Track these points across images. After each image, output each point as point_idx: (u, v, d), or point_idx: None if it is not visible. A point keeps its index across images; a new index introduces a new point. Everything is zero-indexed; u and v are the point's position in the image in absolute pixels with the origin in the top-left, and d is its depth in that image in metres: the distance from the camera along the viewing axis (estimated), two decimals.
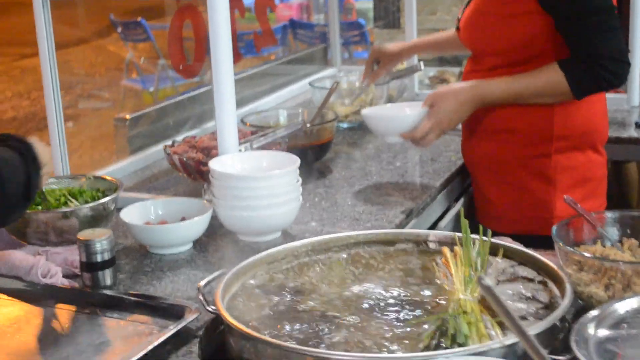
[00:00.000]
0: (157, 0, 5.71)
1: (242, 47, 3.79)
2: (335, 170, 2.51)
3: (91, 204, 1.93)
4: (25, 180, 1.60)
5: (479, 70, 2.40)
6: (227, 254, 1.92)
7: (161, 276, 1.81)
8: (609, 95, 3.13)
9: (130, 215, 1.95)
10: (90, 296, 1.68)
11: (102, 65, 8.99)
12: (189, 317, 1.53)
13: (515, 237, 1.77)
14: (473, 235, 1.63)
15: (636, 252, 1.59)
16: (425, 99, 2.32)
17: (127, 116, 2.74)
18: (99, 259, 1.73)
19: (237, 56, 3.09)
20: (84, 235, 1.74)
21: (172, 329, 1.48)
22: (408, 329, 1.38)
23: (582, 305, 1.49)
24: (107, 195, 2.01)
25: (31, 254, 1.81)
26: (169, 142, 2.34)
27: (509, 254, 1.62)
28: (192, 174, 2.20)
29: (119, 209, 1.99)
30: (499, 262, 1.60)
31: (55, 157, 2.33)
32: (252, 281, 1.57)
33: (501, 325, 1.36)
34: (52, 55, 2.28)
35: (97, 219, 1.94)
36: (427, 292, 1.52)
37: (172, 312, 1.58)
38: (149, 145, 2.69)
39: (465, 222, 1.62)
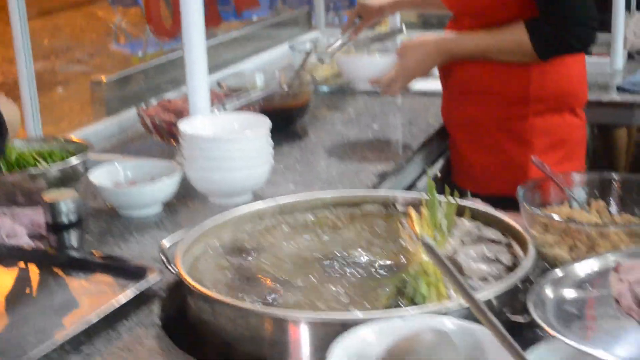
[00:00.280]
0: None
1: (224, 10, 3.75)
2: (312, 133, 2.49)
3: (59, 166, 1.91)
4: None
5: (457, 32, 2.38)
6: (197, 215, 1.90)
7: (128, 238, 1.79)
8: (592, 59, 3.13)
9: (99, 176, 1.93)
10: (54, 257, 1.67)
11: (92, 31, 8.94)
12: (151, 278, 1.51)
13: (491, 199, 1.76)
14: (440, 197, 1.62)
15: (603, 214, 1.58)
16: (397, 49, 2.35)
17: (104, 79, 2.71)
18: (64, 219, 1.72)
19: (216, 19, 3.08)
20: (49, 196, 1.72)
21: (133, 289, 1.47)
22: (367, 291, 1.37)
23: (547, 268, 1.48)
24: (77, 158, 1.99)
25: None
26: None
27: (475, 215, 1.60)
28: (165, 136, 2.18)
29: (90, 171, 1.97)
30: (466, 223, 1.59)
31: (27, 120, 2.31)
32: (216, 242, 1.56)
33: None
34: (23, 22, 2.25)
35: (65, 180, 1.92)
36: (390, 254, 1.51)
37: (135, 273, 1.56)
38: (126, 108, 2.66)
39: (431, 184, 1.61)
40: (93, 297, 1.53)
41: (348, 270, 1.44)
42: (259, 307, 1.30)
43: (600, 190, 1.60)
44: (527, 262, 1.37)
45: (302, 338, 1.24)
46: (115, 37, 7.53)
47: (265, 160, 1.95)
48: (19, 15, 2.22)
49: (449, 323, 1.16)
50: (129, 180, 1.98)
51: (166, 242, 1.55)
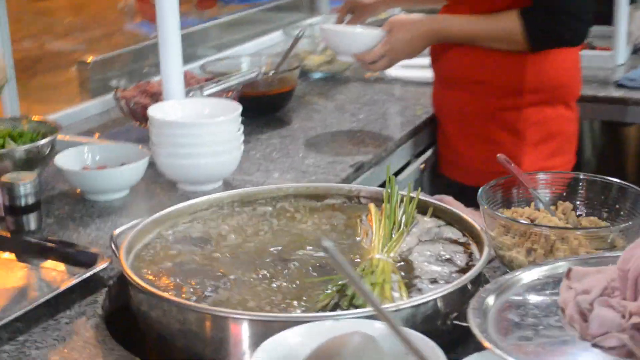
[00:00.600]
0: None
1: None
2: (295, 121, 2.44)
3: (25, 147, 1.88)
4: None
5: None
6: (163, 202, 1.86)
7: (89, 223, 1.76)
8: (595, 53, 3.06)
9: (66, 159, 1.90)
10: (6, 240, 1.64)
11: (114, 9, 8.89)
12: (99, 266, 1.48)
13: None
14: (402, 192, 1.57)
15: (570, 215, 1.52)
16: (384, 24, 2.27)
17: (89, 59, 2.67)
18: (22, 202, 1.68)
19: (210, 1, 3.03)
20: (7, 177, 1.69)
21: (78, 277, 1.44)
22: (309, 289, 1.32)
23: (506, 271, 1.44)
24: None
25: None
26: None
27: (438, 213, 1.55)
28: (140, 120, 2.14)
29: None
30: (427, 221, 1.54)
31: (4, 101, 2.28)
32: (169, 231, 1.52)
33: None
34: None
35: (32, 162, 1.88)
36: (343, 251, 1.46)
37: (86, 259, 1.53)
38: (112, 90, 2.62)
39: (392, 179, 1.57)
40: (41, 283, 1.50)
41: (295, 266, 1.39)
42: (186, 302, 1.25)
43: (568, 191, 1.54)
44: (477, 265, 1.32)
45: (229, 336, 1.20)
46: (130, 17, 7.48)
47: (234, 147, 1.90)
48: None
49: (380, 327, 1.11)
50: (97, 164, 1.94)
51: (118, 230, 1.51)
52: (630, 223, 1.36)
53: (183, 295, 1.30)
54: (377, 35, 2.25)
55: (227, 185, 1.94)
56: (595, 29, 2.66)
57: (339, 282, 1.29)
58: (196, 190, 1.90)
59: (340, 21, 2.82)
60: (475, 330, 1.09)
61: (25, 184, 1.68)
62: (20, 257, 1.59)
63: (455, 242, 1.47)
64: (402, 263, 1.40)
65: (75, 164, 1.91)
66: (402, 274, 1.36)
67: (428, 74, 2.51)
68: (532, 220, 1.46)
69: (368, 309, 1.19)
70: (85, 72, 2.66)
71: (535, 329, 1.14)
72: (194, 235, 1.51)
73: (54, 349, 1.30)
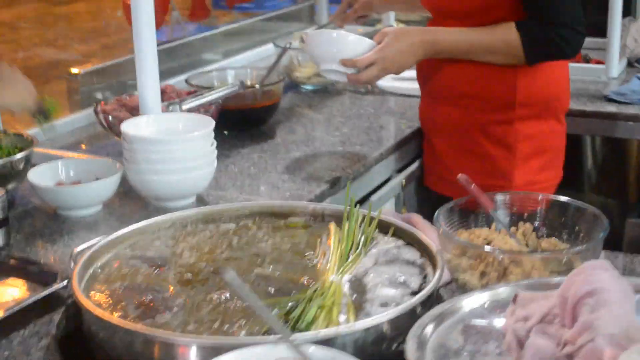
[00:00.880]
0: None
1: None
2: (278, 135, 2.44)
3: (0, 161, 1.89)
4: None
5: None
6: (134, 218, 1.86)
7: (57, 239, 1.77)
8: (588, 66, 3.04)
9: (40, 174, 1.91)
10: None
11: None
12: (56, 285, 1.48)
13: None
14: (364, 211, 1.57)
15: (530, 237, 1.51)
16: (375, 35, 2.21)
17: (79, 71, 2.69)
18: None
19: (203, 10, 3.04)
20: None
21: (32, 296, 1.44)
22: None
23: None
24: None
25: None
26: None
27: (399, 233, 1.54)
28: (119, 134, 2.15)
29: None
30: (387, 241, 1.53)
31: None
32: (127, 250, 1.52)
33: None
34: None
35: (7, 176, 1.90)
36: (299, 272, 1.45)
37: (47, 278, 1.53)
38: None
39: (351, 198, 1.56)
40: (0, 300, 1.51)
41: (253, 288, 1.38)
42: (127, 324, 1.25)
43: (529, 212, 1.53)
44: (426, 290, 1.31)
45: (169, 358, 1.19)
46: None
47: (207, 163, 1.90)
48: None
49: (316, 352, 1.10)
50: (71, 179, 1.95)
51: (79, 248, 1.52)
52: (584, 246, 1.35)
53: (130, 316, 1.29)
54: (368, 43, 2.14)
55: (201, 201, 1.95)
56: (590, 41, 2.64)
57: (286, 305, 1.29)
58: (168, 206, 1.90)
59: (339, 13, 2.81)
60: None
61: None
62: None
63: (412, 263, 1.46)
64: (356, 285, 1.39)
65: (49, 179, 1.92)
66: (354, 296, 1.36)
67: (413, 87, 2.49)
68: (488, 243, 1.45)
69: (309, 333, 1.19)
70: (75, 83, 2.68)
71: (472, 357, 1.13)
72: (151, 254, 1.50)
73: None
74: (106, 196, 1.90)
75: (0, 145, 2.02)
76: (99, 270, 1.45)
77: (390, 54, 2.16)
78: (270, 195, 1.98)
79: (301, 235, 1.59)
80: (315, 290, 1.34)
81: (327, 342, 1.15)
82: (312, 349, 1.11)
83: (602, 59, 3.06)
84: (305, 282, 1.41)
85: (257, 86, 2.46)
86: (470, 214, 1.54)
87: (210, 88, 2.34)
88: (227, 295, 1.36)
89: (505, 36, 2.18)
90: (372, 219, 1.55)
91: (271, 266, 1.47)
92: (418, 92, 2.46)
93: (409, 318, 1.26)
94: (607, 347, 1.01)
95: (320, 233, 1.58)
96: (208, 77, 2.56)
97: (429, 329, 1.17)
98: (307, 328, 1.24)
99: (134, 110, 2.16)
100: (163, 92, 2.28)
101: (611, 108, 2.69)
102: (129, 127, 1.90)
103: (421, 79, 2.43)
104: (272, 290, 1.39)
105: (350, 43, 2.13)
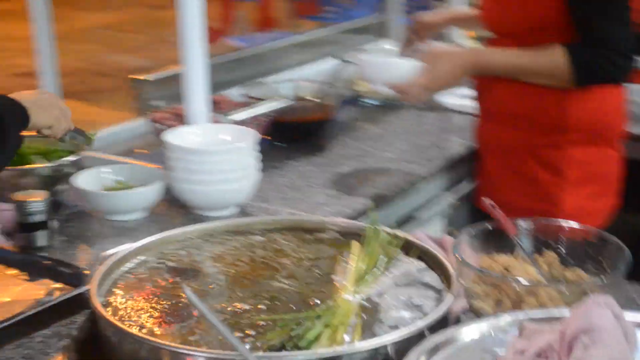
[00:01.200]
0: None
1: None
2: (331, 149, 2.45)
3: (50, 165, 1.96)
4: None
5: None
6: (175, 226, 1.90)
7: (97, 243, 1.82)
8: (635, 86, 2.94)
9: (87, 179, 1.97)
10: (12, 256, 1.71)
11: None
12: (80, 288, 1.52)
13: None
14: (388, 230, 1.56)
15: (554, 266, 1.48)
16: (422, 56, 2.26)
17: (147, 77, 2.75)
18: (30, 220, 1.76)
19: (269, 21, 3.07)
20: (19, 195, 1.76)
21: (57, 298, 1.49)
22: (268, 326, 1.32)
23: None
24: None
25: None
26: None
27: (422, 255, 1.53)
28: None
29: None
30: (409, 263, 1.52)
31: None
32: (152, 257, 1.55)
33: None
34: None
35: (57, 179, 1.97)
36: (316, 287, 1.46)
37: (76, 280, 1.58)
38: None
39: (375, 216, 1.56)
40: (29, 299, 1.56)
41: (261, 300, 1.40)
42: (134, 331, 1.28)
43: (554, 240, 1.50)
44: (434, 314, 1.30)
45: None
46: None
47: (248, 175, 1.93)
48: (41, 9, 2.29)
49: None
50: (118, 184, 2.00)
51: (107, 253, 1.56)
52: (600, 278, 1.32)
53: (143, 323, 1.32)
54: (415, 65, 2.23)
55: (242, 211, 1.97)
56: None
57: (290, 322, 1.30)
58: (210, 216, 1.93)
59: (408, 41, 2.83)
60: None
61: (35, 203, 1.75)
62: (20, 273, 1.66)
63: (431, 287, 1.45)
64: (369, 305, 1.39)
65: (96, 183, 1.97)
66: (365, 317, 1.35)
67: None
68: (507, 270, 1.43)
69: (307, 352, 1.20)
70: (140, 90, 2.74)
71: None
72: (174, 263, 1.53)
73: None
74: (150, 203, 1.94)
75: (55, 149, 2.09)
76: (122, 276, 1.49)
77: (437, 75, 2.21)
78: (312, 209, 1.99)
79: (326, 251, 1.59)
80: (326, 308, 1.35)
81: None
82: None
83: None
84: (318, 299, 1.41)
85: (314, 99, 2.47)
86: (496, 239, 1.52)
87: (264, 99, 2.37)
88: (246, 306, 1.38)
89: (554, 59, 2.15)
90: (396, 239, 1.54)
91: (288, 280, 1.48)
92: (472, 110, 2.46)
93: (417, 342, 1.25)
94: None
95: (345, 250, 1.59)
96: (265, 88, 2.59)
97: (423, 357, 1.15)
98: (308, 346, 1.25)
99: (185, 120, 2.20)
100: (216, 103, 2.33)
101: None
102: (171, 136, 1.94)
103: (479, 97, 2.41)
104: (284, 304, 1.40)
105: (397, 66, 2.23)
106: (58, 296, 1.50)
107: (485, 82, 2.33)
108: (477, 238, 1.51)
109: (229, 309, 1.38)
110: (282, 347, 1.26)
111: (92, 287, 1.39)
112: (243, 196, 1.96)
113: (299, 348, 1.24)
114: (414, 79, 2.22)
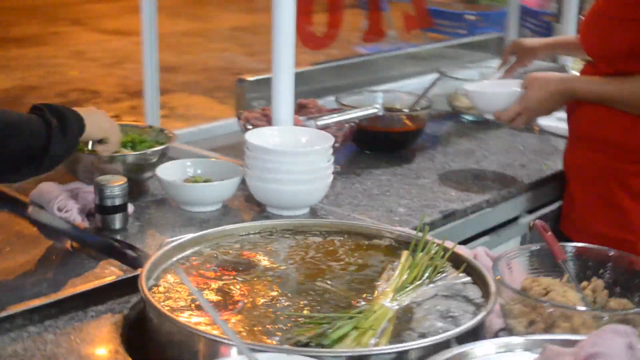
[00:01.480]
0: None
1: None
2: (416, 160, 2.46)
3: (135, 153, 2.06)
4: (32, 145, 1.70)
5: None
6: (246, 221, 1.97)
7: (169, 230, 1.90)
8: None
9: (170, 170, 2.05)
10: (88, 235, 1.81)
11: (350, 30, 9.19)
12: (137, 271, 1.60)
13: None
14: (438, 241, 1.58)
15: (600, 294, 1.46)
16: (524, 80, 2.31)
17: (248, 78, 2.83)
18: (109, 203, 1.86)
19: (378, 32, 3.10)
20: (100, 179, 1.87)
21: (114, 278, 1.57)
22: (302, 324, 1.37)
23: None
24: None
25: (61, 189, 1.96)
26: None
27: (469, 270, 1.54)
28: None
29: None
30: (456, 276, 1.53)
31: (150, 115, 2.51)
32: (207, 249, 1.62)
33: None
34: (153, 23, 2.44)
35: (142, 167, 2.07)
36: (358, 291, 1.49)
37: (139, 263, 1.67)
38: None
39: (425, 229, 1.58)
40: (93, 277, 1.65)
41: (304, 299, 1.44)
42: (172, 316, 1.33)
43: (602, 268, 1.48)
44: (462, 327, 1.31)
45: (203, 356, 1.27)
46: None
47: (320, 178, 1.97)
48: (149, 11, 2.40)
49: None
50: (198, 177, 2.08)
51: (169, 240, 1.63)
52: (633, 310, 1.29)
53: (187, 310, 1.38)
54: (513, 93, 2.29)
55: (313, 212, 2.02)
56: None
57: (321, 320, 1.33)
58: (282, 215, 1.99)
59: (504, 63, 2.83)
60: None
61: (113, 187, 1.85)
62: (90, 252, 1.76)
63: (470, 301, 1.46)
64: (405, 313, 1.41)
65: (177, 174, 2.06)
66: (398, 323, 1.38)
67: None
68: (547, 292, 1.42)
69: (324, 350, 1.23)
70: (242, 89, 2.82)
71: None
72: (226, 256, 1.59)
73: (67, 336, 1.44)
74: (225, 197, 2.01)
75: (145, 139, 2.19)
76: (176, 262, 1.56)
77: (533, 104, 2.27)
78: (381, 218, 2.01)
79: (377, 258, 1.62)
80: (360, 312, 1.38)
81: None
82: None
83: None
84: (357, 302, 1.44)
85: (403, 110, 2.50)
86: (550, 261, 1.52)
87: (354, 107, 2.41)
88: (286, 302, 1.43)
89: (637, 85, 2.14)
90: (444, 251, 1.56)
91: (333, 282, 1.52)
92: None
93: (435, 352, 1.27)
94: None
95: (395, 258, 1.61)
96: (360, 97, 2.62)
97: None
98: (331, 345, 1.28)
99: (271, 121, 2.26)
100: (304, 107, 2.39)
101: None
102: (252, 136, 2.01)
103: (569, 120, 2.38)
104: (323, 304, 1.43)
105: (498, 96, 2.32)
106: (117, 277, 1.58)
107: (577, 106, 2.30)
108: (530, 258, 1.51)
109: (269, 302, 1.43)
110: (307, 344, 1.30)
111: (143, 270, 1.46)
112: (314, 198, 2.00)
113: (323, 347, 1.28)
114: (513, 107, 2.29)
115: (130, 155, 2.05)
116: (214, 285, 1.49)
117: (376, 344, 1.31)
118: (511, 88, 2.32)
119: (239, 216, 2.01)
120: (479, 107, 2.43)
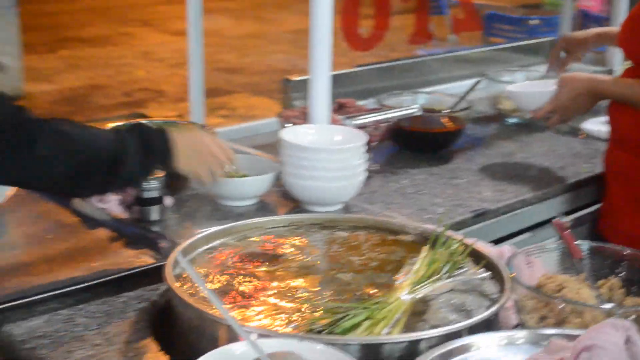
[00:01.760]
0: None
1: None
2: (454, 162, 2.48)
3: None
4: (113, 160, 1.65)
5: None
6: (279, 215, 2.02)
7: (204, 223, 1.96)
8: None
9: None
10: (125, 225, 1.88)
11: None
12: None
13: None
14: (458, 237, 1.61)
15: (616, 293, 1.47)
16: (557, 80, 2.38)
17: (292, 78, 2.88)
18: (146, 195, 1.93)
19: (425, 34, 3.12)
20: None
21: (142, 266, 1.64)
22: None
23: None
24: None
25: None
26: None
27: (488, 266, 1.57)
28: None
29: None
30: (475, 272, 1.56)
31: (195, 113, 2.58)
32: (233, 240, 1.67)
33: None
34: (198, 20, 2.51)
35: None
36: (377, 284, 1.53)
37: (170, 252, 1.72)
38: None
39: (446, 225, 1.61)
40: (122, 264, 1.72)
41: (325, 290, 1.49)
42: (193, 303, 1.38)
43: (619, 267, 1.49)
44: (473, 319, 1.34)
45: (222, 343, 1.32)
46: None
47: (352, 175, 2.01)
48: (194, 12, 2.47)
49: (321, 349, 1.19)
50: (234, 172, 2.14)
51: (200, 231, 1.69)
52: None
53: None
54: (547, 93, 2.35)
55: (346, 209, 2.06)
56: None
57: (336, 309, 1.38)
58: (315, 210, 2.03)
59: (555, 58, 2.83)
60: None
61: (152, 180, 1.92)
62: (126, 241, 1.83)
63: (486, 297, 1.48)
64: (421, 306, 1.44)
65: None
66: (412, 315, 1.41)
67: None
68: (560, 289, 1.44)
69: (335, 337, 1.28)
70: (288, 88, 2.87)
71: None
72: (252, 248, 1.64)
73: (96, 320, 1.51)
74: (260, 192, 2.07)
75: None
76: (202, 253, 1.61)
77: (563, 101, 2.33)
78: (412, 216, 2.04)
79: (399, 253, 1.66)
80: (374, 302, 1.41)
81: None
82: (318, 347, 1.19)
83: None
84: (374, 294, 1.48)
85: (442, 111, 2.52)
86: (567, 260, 1.53)
87: (393, 108, 2.44)
88: (305, 293, 1.48)
89: None
90: (464, 247, 1.59)
91: (352, 274, 1.56)
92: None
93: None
94: None
95: (415, 254, 1.64)
96: (399, 99, 2.65)
97: None
98: (343, 334, 1.32)
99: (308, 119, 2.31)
100: (343, 106, 2.43)
101: None
102: (287, 134, 2.06)
103: (610, 123, 2.39)
104: (342, 295, 1.48)
105: (533, 96, 2.43)
106: (146, 264, 1.65)
107: (616, 108, 2.30)
108: (550, 256, 1.53)
109: (290, 292, 1.48)
110: (320, 333, 1.34)
111: (169, 259, 1.52)
112: (347, 195, 2.04)
113: (331, 333, 1.32)
114: (546, 106, 2.36)
115: None
116: (235, 275, 1.54)
117: (388, 334, 1.34)
118: (550, 87, 2.37)
119: (274, 211, 2.06)
120: (520, 106, 2.50)
